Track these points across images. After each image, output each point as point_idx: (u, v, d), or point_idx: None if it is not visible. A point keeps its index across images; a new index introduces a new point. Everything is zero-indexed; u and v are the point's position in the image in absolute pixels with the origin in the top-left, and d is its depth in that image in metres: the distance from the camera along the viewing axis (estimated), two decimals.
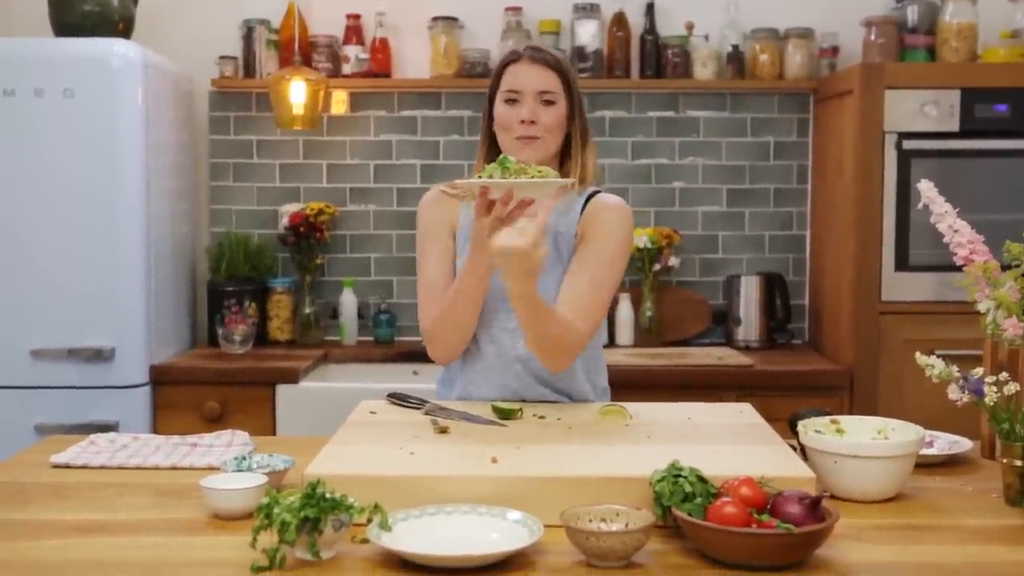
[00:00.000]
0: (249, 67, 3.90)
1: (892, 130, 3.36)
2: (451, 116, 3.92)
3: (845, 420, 1.90)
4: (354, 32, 3.89)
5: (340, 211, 3.95)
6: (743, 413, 2.13)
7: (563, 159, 2.25)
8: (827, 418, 1.90)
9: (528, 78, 2.19)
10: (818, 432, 1.83)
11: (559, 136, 2.22)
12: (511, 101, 2.19)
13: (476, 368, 2.26)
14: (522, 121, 2.17)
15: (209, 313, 3.80)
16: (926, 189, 1.86)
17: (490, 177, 1.91)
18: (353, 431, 1.98)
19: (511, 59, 2.22)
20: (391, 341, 3.87)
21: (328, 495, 1.46)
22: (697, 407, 2.19)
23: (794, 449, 1.85)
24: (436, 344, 2.23)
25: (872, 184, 3.38)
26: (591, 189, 2.28)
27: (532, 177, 1.90)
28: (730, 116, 3.94)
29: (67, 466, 1.99)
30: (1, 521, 1.70)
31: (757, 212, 3.97)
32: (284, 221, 3.85)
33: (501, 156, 1.95)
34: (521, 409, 2.10)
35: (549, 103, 2.19)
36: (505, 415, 2.07)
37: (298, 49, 3.77)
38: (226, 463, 1.83)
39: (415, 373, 3.60)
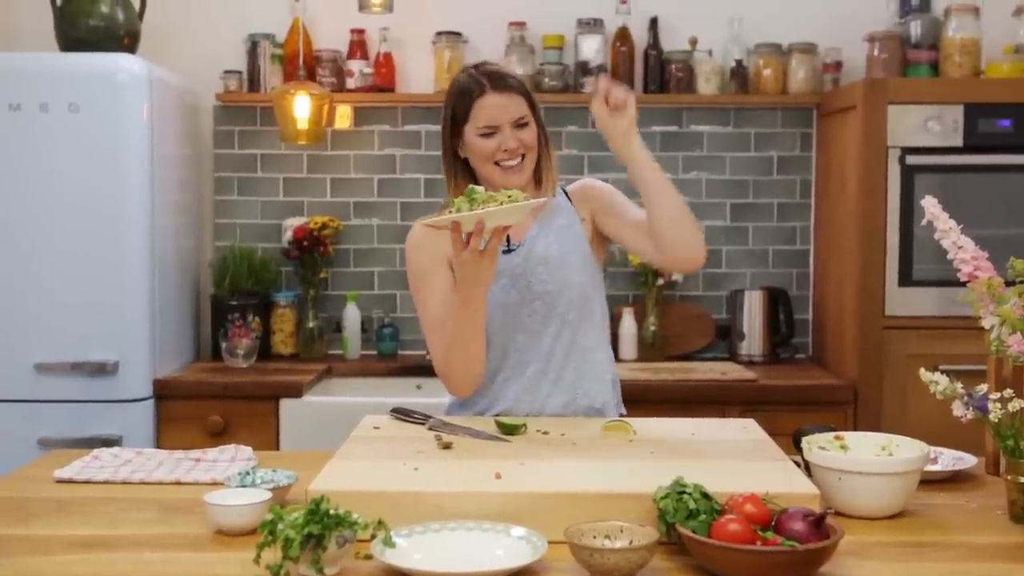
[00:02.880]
0: (254, 81, 3.91)
1: (895, 145, 3.36)
2: None
3: (849, 436, 1.89)
4: (358, 47, 3.90)
5: (344, 225, 3.95)
6: (747, 428, 2.13)
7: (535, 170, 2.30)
8: (831, 434, 1.90)
9: (502, 111, 2.20)
10: (822, 448, 1.82)
11: (537, 152, 2.26)
12: (488, 135, 2.21)
13: (497, 380, 2.27)
14: (506, 150, 2.19)
15: (213, 327, 3.80)
16: (930, 205, 1.86)
17: (459, 210, 1.91)
18: (357, 446, 1.98)
19: (477, 93, 2.21)
20: (394, 355, 3.87)
21: (332, 511, 1.46)
22: (701, 423, 2.19)
23: (798, 465, 1.85)
24: (451, 380, 2.23)
25: (875, 199, 3.38)
26: (557, 186, 2.36)
27: (502, 203, 1.90)
28: (733, 131, 3.95)
29: (70, 481, 2.00)
30: (3, 536, 1.69)
31: (760, 227, 3.97)
32: (288, 235, 3.86)
33: (468, 188, 1.97)
34: (525, 424, 2.10)
35: (523, 125, 2.22)
36: (509, 430, 2.07)
37: (302, 63, 3.78)
38: (230, 478, 1.83)
39: (419, 387, 3.59)
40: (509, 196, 1.93)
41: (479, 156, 2.22)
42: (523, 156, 2.21)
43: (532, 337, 2.26)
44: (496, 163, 2.21)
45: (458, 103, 2.24)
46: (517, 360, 2.27)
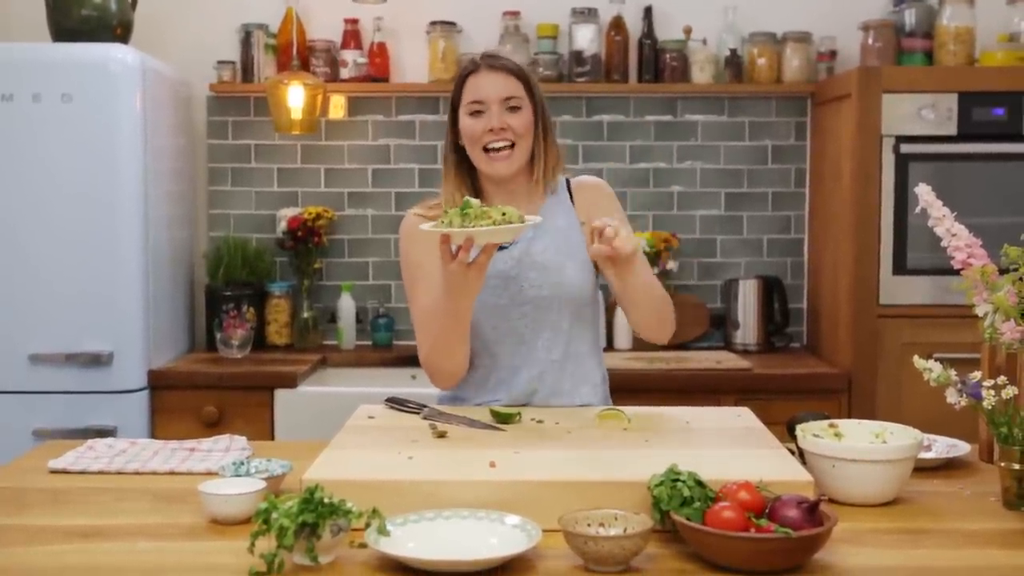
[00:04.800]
0: (247, 72, 3.90)
1: (890, 134, 3.37)
2: None
3: (843, 424, 1.89)
4: (352, 36, 3.90)
5: (338, 215, 3.95)
6: (741, 417, 2.13)
7: (530, 161, 2.26)
8: (825, 422, 1.90)
9: (490, 87, 2.17)
10: (816, 436, 1.83)
11: (530, 141, 2.21)
12: (476, 113, 2.18)
13: (490, 383, 2.26)
14: (491, 130, 2.16)
15: (207, 318, 3.80)
16: (924, 193, 1.86)
17: (450, 223, 1.90)
18: (351, 436, 1.98)
19: (469, 70, 2.20)
20: (389, 345, 3.87)
21: (326, 500, 1.46)
22: (695, 411, 2.19)
23: (792, 453, 1.85)
24: (435, 375, 2.22)
25: (870, 188, 3.38)
26: (562, 177, 2.32)
27: (495, 221, 1.88)
28: (728, 120, 3.95)
29: (65, 471, 1.99)
30: None
31: (755, 216, 3.97)
32: (282, 225, 3.85)
33: (464, 200, 1.93)
34: (519, 413, 2.10)
35: (515, 108, 2.18)
36: (503, 419, 2.07)
37: (296, 53, 3.77)
38: (224, 468, 1.83)
39: (413, 377, 3.59)
40: (503, 214, 1.90)
41: (468, 138, 2.20)
42: (512, 144, 2.17)
43: (523, 341, 2.22)
44: (484, 149, 2.18)
45: (456, 84, 2.23)
46: (508, 364, 2.24)
